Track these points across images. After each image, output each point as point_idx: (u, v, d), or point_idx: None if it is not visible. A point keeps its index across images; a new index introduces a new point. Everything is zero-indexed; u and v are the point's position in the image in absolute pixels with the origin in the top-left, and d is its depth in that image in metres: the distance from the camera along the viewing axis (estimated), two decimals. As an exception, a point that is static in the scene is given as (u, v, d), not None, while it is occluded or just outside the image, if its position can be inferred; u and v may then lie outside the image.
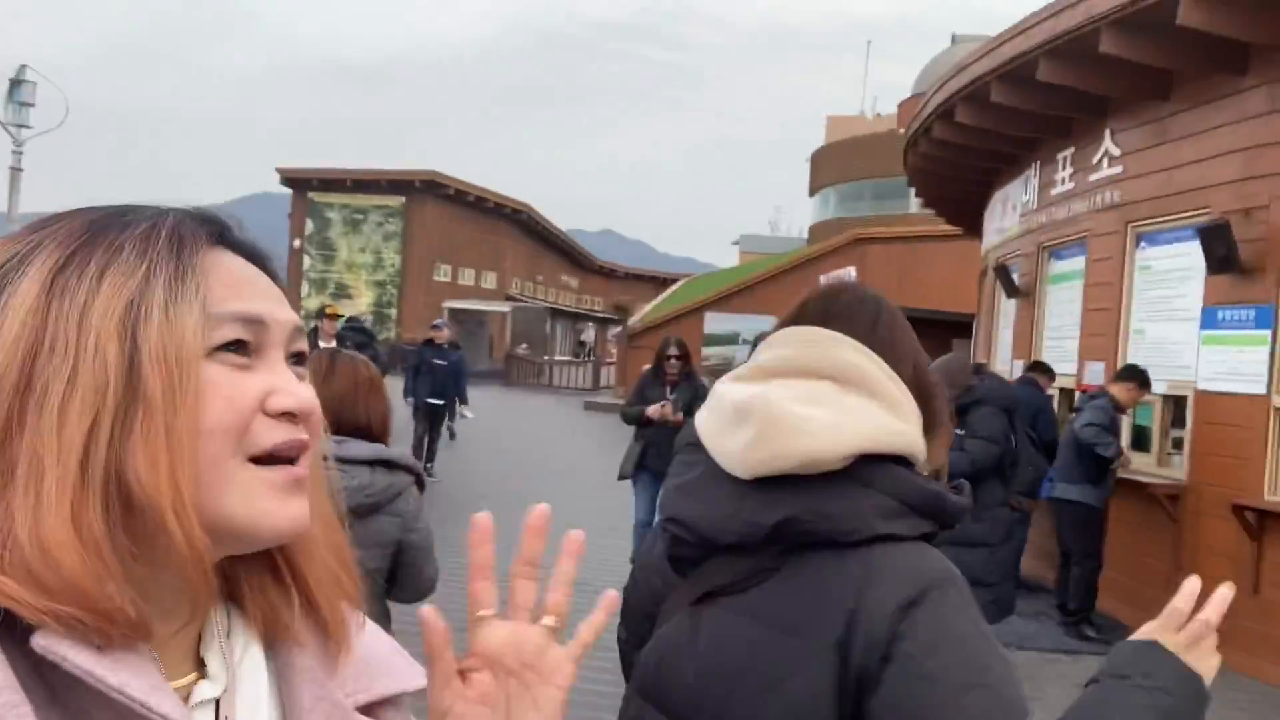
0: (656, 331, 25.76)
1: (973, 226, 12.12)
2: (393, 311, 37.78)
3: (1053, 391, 7.53)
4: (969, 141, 9.13)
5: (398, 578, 2.22)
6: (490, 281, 42.53)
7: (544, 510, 0.65)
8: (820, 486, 1.00)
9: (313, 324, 8.67)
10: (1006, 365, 9.19)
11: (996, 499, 5.31)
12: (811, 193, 39.21)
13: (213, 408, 0.54)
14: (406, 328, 35.94)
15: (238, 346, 0.56)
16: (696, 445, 1.11)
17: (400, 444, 7.94)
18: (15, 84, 14.37)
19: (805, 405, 1.01)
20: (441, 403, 10.61)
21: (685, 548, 1.08)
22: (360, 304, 38.10)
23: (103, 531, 0.51)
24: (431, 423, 10.56)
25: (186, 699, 0.57)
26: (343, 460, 2.03)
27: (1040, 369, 7.33)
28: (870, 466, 1.01)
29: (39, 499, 0.49)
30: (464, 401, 11.38)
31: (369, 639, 0.68)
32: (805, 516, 0.99)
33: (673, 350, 6.50)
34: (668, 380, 6.45)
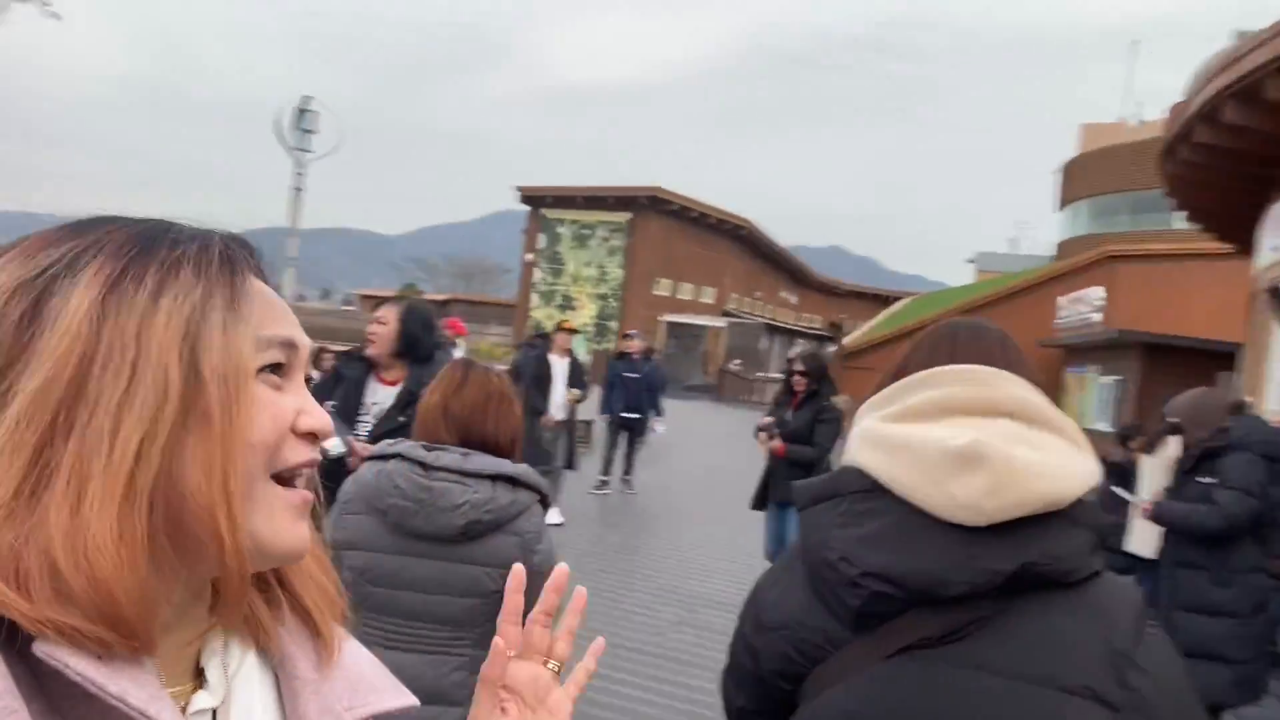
0: (875, 351, 24.82)
1: (1244, 244, 10.61)
2: (614, 324, 38.99)
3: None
4: (1239, 145, 8.00)
5: None
6: (709, 296, 42.87)
7: (564, 570, 0.81)
8: (1043, 528, 1.00)
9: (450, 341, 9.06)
10: (1278, 406, 7.91)
11: (1250, 562, 4.50)
12: (1060, 206, 36.23)
13: (259, 423, 0.56)
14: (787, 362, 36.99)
15: (276, 368, 0.59)
16: (869, 492, 1.06)
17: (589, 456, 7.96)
18: (301, 113, 16.12)
19: (1017, 446, 1.01)
20: (636, 416, 10.24)
21: (886, 603, 1.01)
22: (583, 316, 39.65)
23: (143, 539, 0.52)
24: (629, 436, 10.34)
25: (184, 708, 0.58)
26: (465, 473, 1.99)
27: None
28: (1076, 504, 1.02)
29: (80, 504, 0.50)
30: (659, 414, 10.92)
31: (354, 655, 0.70)
32: (1042, 560, 0.98)
33: (797, 365, 5.67)
34: (791, 400, 5.62)
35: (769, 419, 5.56)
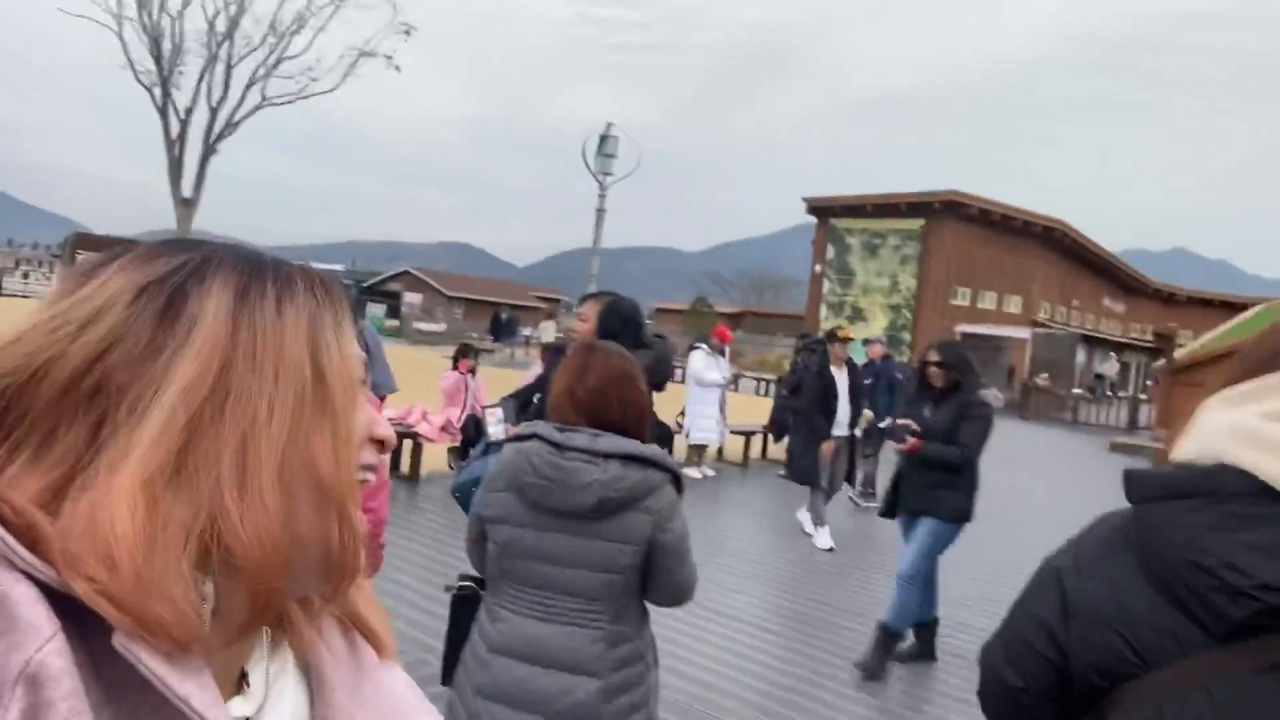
0: (1215, 365, 21.53)
1: None
2: (907, 335, 37.40)
3: None
4: None
5: (650, 578, 2.13)
6: (1014, 306, 39.72)
7: None
8: None
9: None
10: None
11: None
12: None
13: (359, 422, 0.64)
14: (919, 352, 35.30)
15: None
16: (1257, 496, 0.98)
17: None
18: (603, 139, 17.31)
19: None
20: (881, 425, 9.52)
21: (1271, 617, 0.95)
22: (874, 327, 38.41)
23: (290, 520, 0.57)
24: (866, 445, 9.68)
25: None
26: (595, 453, 2.05)
27: None
28: None
29: (249, 488, 0.54)
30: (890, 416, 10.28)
31: (393, 680, 0.72)
32: None
33: (932, 356, 4.77)
34: (930, 395, 4.77)
35: (904, 420, 4.78)
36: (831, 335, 8.31)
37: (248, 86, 26.00)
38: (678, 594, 2.16)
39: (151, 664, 0.50)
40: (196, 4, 26.63)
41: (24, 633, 0.47)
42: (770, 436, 10.61)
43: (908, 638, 4.83)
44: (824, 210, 41.17)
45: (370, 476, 0.65)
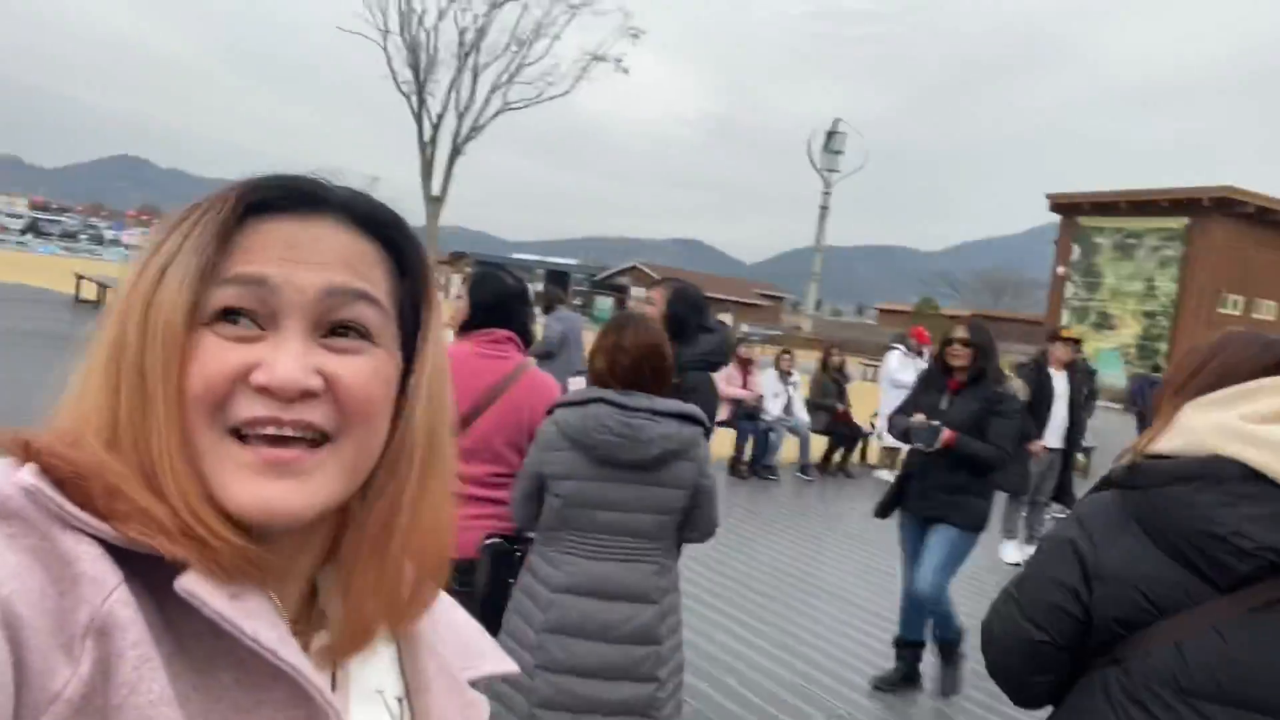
0: None
1: None
2: (1162, 346, 33.88)
3: None
4: None
5: (691, 517, 2.48)
6: (1299, 316, 34.84)
7: None
8: None
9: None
10: None
11: None
12: None
13: (192, 377, 0.54)
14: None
15: (232, 315, 0.55)
16: (1246, 479, 1.28)
17: None
18: (830, 135, 17.23)
19: None
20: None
21: (1266, 570, 1.25)
22: (1123, 335, 35.14)
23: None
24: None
25: (305, 648, 0.59)
26: (656, 412, 2.39)
27: None
28: None
29: (77, 453, 0.53)
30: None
31: (462, 618, 0.74)
32: None
33: (958, 334, 4.09)
34: (951, 383, 4.11)
35: (918, 415, 4.11)
36: (1054, 335, 7.73)
37: (491, 92, 28.11)
38: (710, 530, 2.54)
39: (216, 605, 0.50)
40: (450, 18, 29.08)
41: (88, 587, 0.48)
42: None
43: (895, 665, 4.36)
44: (1070, 207, 38.11)
45: (282, 455, 0.55)
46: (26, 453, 0.51)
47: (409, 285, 0.63)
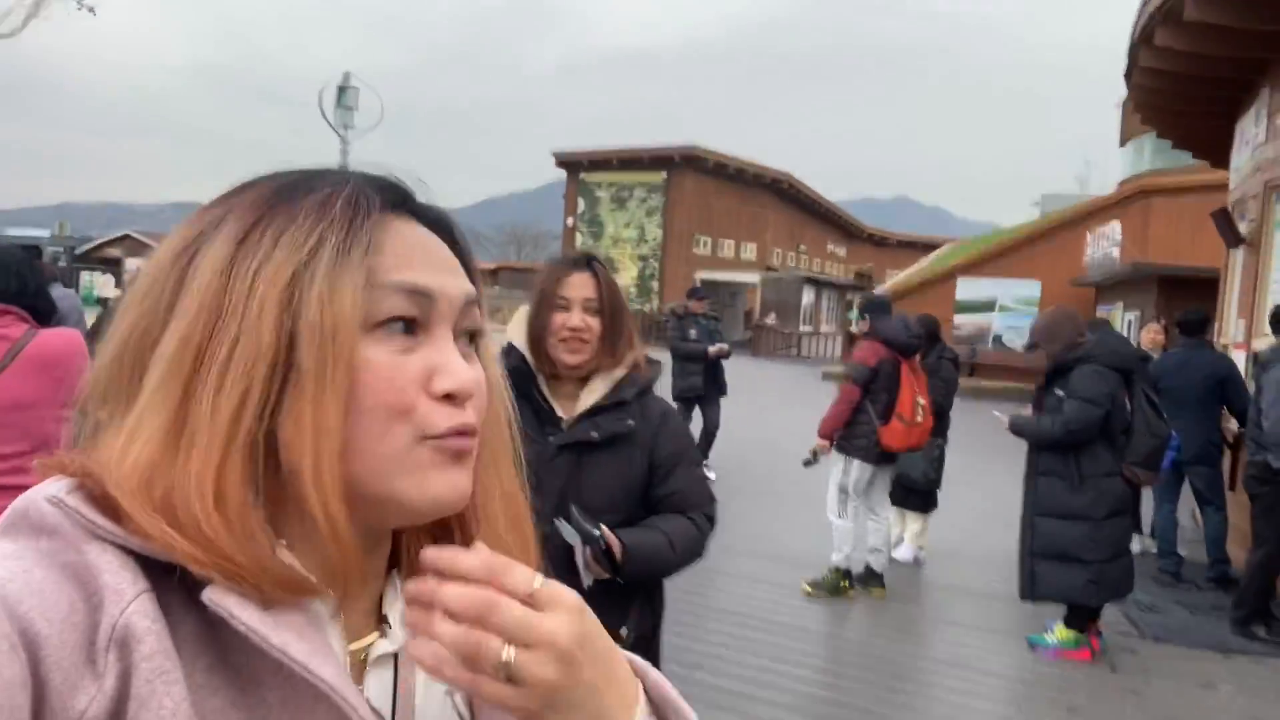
0: (903, 301, 24.64)
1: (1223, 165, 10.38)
2: (655, 285, 39.26)
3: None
4: (1202, 49, 7.25)
5: None
6: (750, 253, 42.76)
7: None
8: None
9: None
10: (1233, 324, 7.91)
11: (1103, 468, 4.72)
12: (1122, 143, 34.64)
13: (372, 386, 0.53)
14: (666, 300, 37.24)
15: (403, 323, 0.55)
16: None
17: None
18: (341, 90, 16.63)
19: None
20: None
21: None
22: (624, 278, 39.96)
23: (243, 495, 0.51)
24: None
25: (365, 656, 0.59)
26: None
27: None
28: None
29: (190, 460, 0.51)
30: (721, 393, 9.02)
31: None
32: None
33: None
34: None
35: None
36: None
37: (-98, 25, 22.56)
38: None
39: (244, 616, 0.49)
40: None
41: (110, 598, 0.47)
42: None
43: None
44: (574, 165, 41.99)
45: (464, 443, 0.57)
46: (68, 471, 0.52)
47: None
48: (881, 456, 5.61)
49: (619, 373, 2.08)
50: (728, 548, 6.07)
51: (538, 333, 2.06)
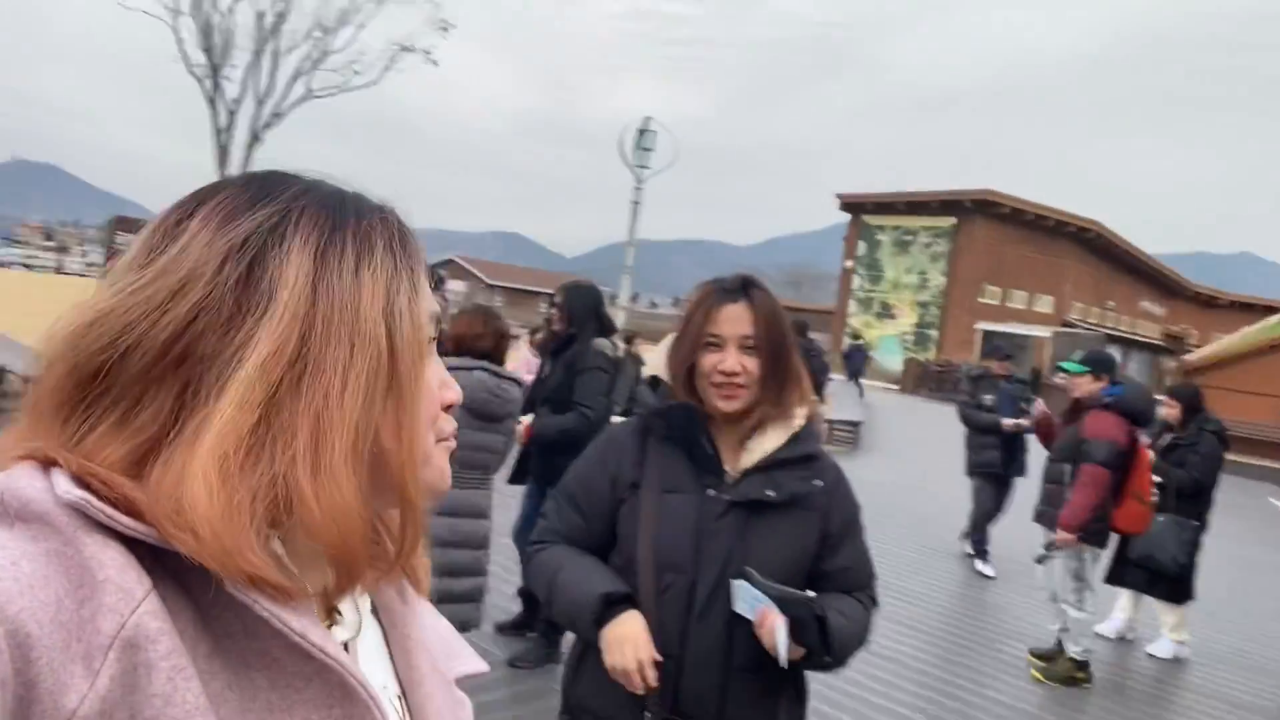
0: (1224, 369, 21.60)
1: None
2: (933, 332, 37.60)
3: None
4: None
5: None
6: (1045, 305, 39.63)
7: None
8: None
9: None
10: None
11: None
12: None
13: (428, 397, 0.62)
14: (945, 349, 35.50)
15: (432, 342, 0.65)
16: None
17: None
18: (641, 132, 17.94)
19: None
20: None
21: None
22: (901, 324, 38.65)
23: (366, 494, 0.56)
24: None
25: None
26: (515, 380, 3.28)
27: None
28: None
29: (320, 462, 0.53)
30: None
31: (440, 621, 0.77)
32: None
33: (558, 299, 4.31)
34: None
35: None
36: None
37: (293, 79, 27.28)
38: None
39: (268, 603, 0.51)
40: (246, 0, 27.97)
41: (113, 596, 0.47)
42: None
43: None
44: (857, 206, 41.46)
45: (453, 444, 0.66)
46: (50, 462, 0.51)
47: None
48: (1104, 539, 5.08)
49: (798, 422, 1.76)
50: (1004, 633, 5.73)
51: (682, 371, 1.75)
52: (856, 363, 24.85)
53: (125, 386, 0.53)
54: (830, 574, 1.76)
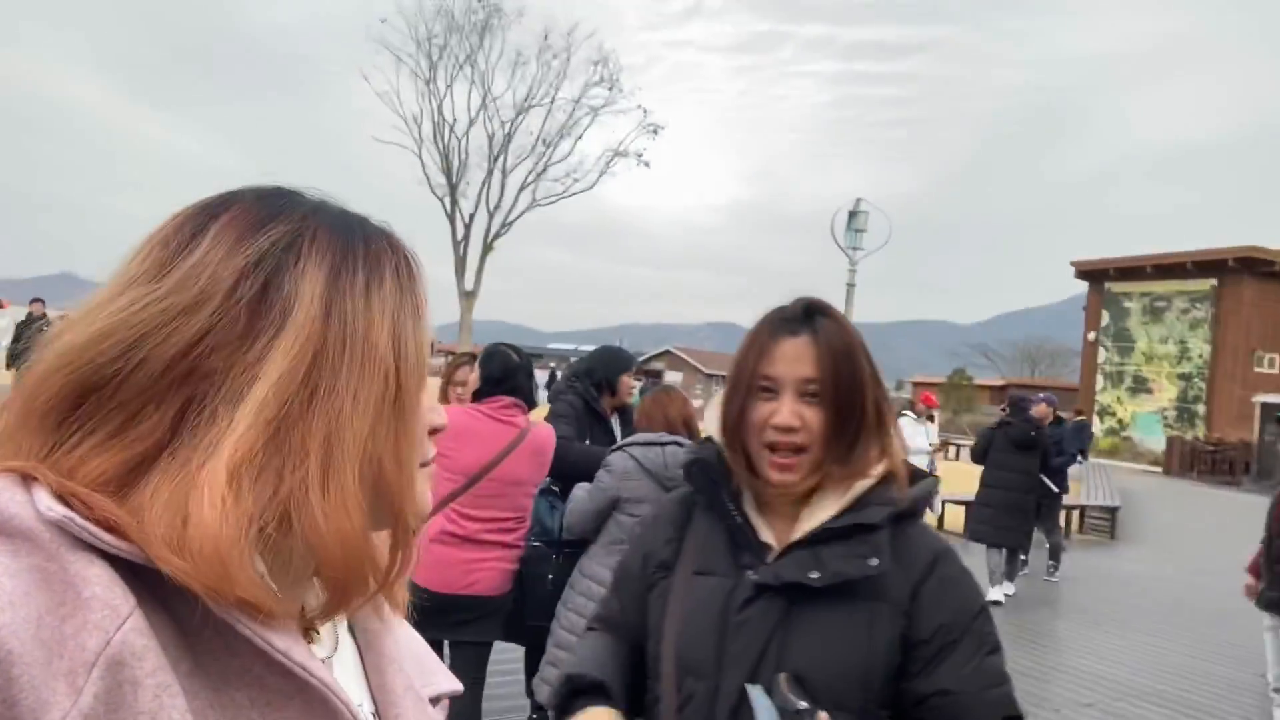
0: None
1: None
2: (1200, 408, 33.52)
3: None
4: None
5: None
6: (1338, 372, 34.36)
7: None
8: None
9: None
10: None
11: None
12: None
13: (421, 420, 0.63)
14: (1215, 426, 31.50)
15: None
16: None
17: None
18: (852, 214, 17.87)
19: None
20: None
21: None
22: (1160, 399, 34.84)
23: (368, 515, 0.57)
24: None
25: None
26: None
27: None
28: None
29: (329, 482, 0.54)
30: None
31: (416, 638, 0.77)
32: None
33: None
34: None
35: None
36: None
37: (520, 190, 29.50)
38: None
39: (251, 624, 0.51)
40: (480, 124, 30.80)
41: (99, 613, 0.46)
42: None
43: None
44: (1098, 274, 38.33)
45: (433, 469, 0.67)
46: (34, 478, 0.50)
47: None
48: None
49: (863, 483, 1.33)
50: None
51: (732, 425, 1.37)
52: (1082, 441, 22.58)
53: (126, 398, 0.52)
54: (924, 698, 1.26)
